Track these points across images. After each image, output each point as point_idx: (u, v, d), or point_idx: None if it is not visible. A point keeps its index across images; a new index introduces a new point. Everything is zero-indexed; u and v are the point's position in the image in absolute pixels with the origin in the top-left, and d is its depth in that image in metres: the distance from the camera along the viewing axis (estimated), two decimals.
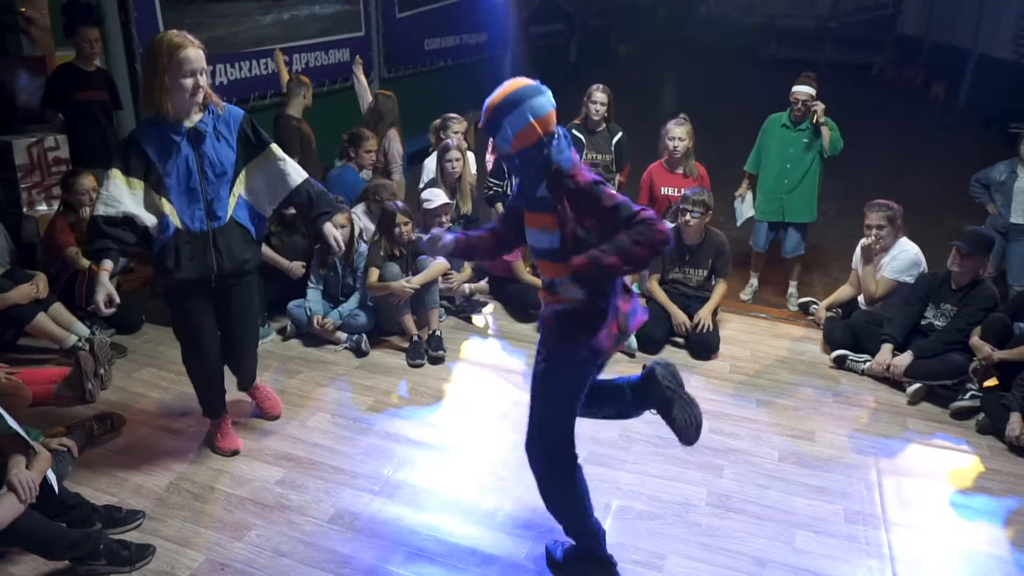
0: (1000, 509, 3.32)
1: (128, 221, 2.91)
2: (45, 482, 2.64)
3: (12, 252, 4.40)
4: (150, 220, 2.96)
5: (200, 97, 2.91)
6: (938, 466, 3.62)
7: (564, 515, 2.65)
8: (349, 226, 4.37)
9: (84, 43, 4.99)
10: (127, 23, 5.49)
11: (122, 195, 2.89)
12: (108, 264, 2.91)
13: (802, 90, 5.01)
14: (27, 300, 3.95)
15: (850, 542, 3.04)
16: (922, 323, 4.30)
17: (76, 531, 2.69)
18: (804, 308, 5.23)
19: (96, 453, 3.41)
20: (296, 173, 3.18)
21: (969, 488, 3.47)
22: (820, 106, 4.93)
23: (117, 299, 2.93)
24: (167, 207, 2.96)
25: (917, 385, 4.12)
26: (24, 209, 4.84)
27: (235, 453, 3.43)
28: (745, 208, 5.39)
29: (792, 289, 5.41)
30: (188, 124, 2.94)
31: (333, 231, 3.21)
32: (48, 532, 2.58)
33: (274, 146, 3.15)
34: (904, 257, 4.49)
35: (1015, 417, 3.66)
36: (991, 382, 4.00)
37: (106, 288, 2.90)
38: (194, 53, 2.83)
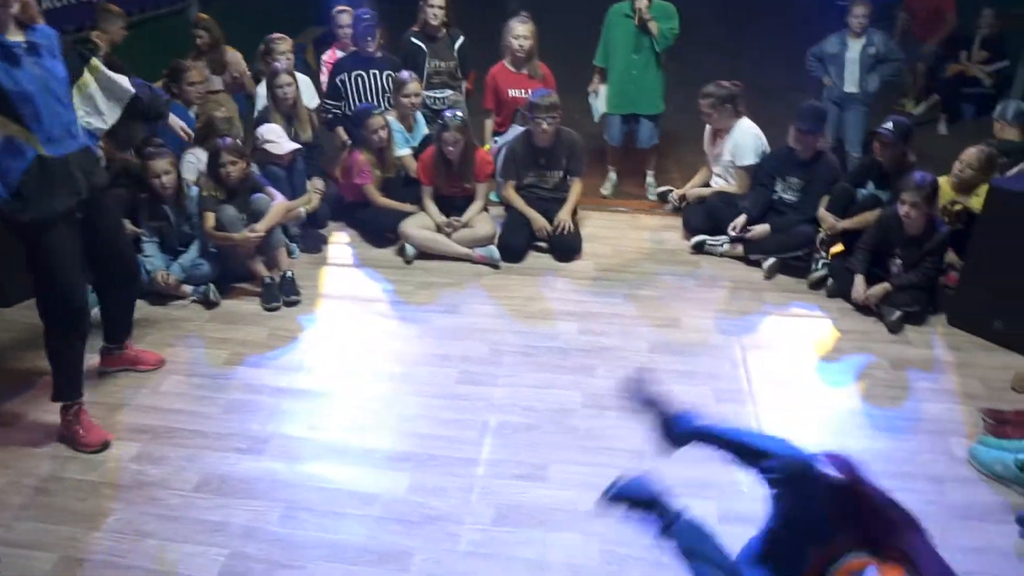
0: (852, 366, 3.54)
1: None
2: None
3: None
4: None
5: (13, 8, 2.59)
6: (795, 334, 3.82)
7: None
8: (174, 171, 3.98)
9: None
10: None
11: None
12: None
13: None
14: None
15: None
16: (773, 198, 4.43)
17: None
18: (663, 197, 5.27)
19: None
20: (127, 81, 3.02)
21: (824, 350, 3.69)
22: (643, 2, 4.82)
23: None
24: (16, 130, 2.62)
25: (771, 260, 4.27)
26: None
27: (107, 446, 3.01)
28: (600, 103, 5.29)
29: (650, 179, 5.43)
30: (14, 37, 2.61)
31: (178, 121, 3.44)
32: None
33: (95, 59, 2.98)
34: (744, 143, 4.54)
35: (859, 279, 3.87)
36: (837, 248, 4.19)
37: None
38: None
